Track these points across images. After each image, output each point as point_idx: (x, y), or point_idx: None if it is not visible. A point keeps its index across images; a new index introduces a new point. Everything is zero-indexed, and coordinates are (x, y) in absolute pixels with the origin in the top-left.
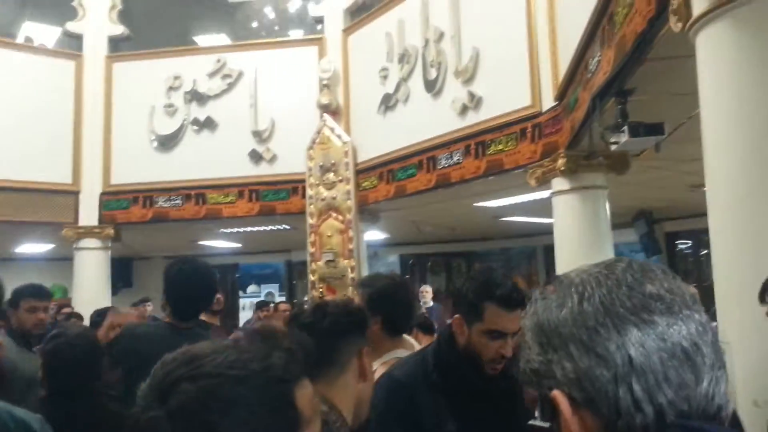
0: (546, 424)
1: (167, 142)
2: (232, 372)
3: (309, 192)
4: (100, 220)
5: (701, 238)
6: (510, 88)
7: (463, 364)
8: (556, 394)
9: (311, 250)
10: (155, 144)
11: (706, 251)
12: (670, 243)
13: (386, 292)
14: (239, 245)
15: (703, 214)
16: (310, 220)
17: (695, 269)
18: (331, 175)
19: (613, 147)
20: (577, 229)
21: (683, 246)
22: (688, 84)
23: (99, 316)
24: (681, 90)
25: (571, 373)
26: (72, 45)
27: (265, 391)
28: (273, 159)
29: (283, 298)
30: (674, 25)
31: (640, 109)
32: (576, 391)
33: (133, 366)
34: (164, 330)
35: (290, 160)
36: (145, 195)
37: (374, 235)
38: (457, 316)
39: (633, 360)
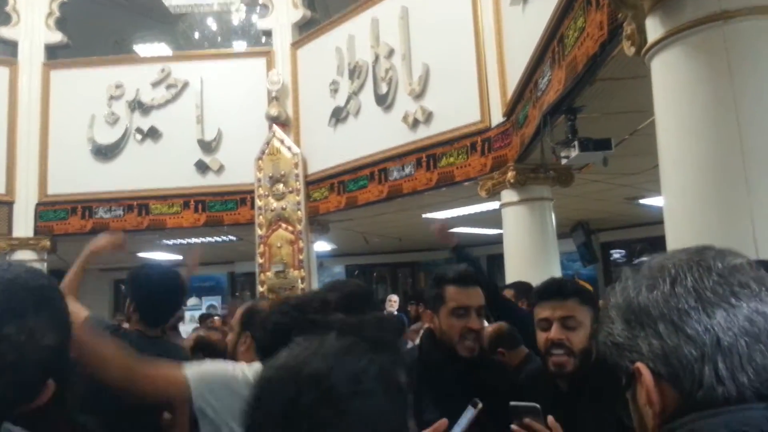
0: (531, 404)
1: (108, 152)
2: (359, 387)
3: (258, 203)
4: (36, 231)
5: (634, 247)
6: (460, 104)
7: (441, 351)
8: (641, 366)
9: (260, 261)
10: (95, 153)
11: (638, 260)
12: (605, 252)
13: (347, 297)
14: (181, 257)
15: (636, 225)
16: (259, 231)
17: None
18: (280, 186)
19: (564, 161)
20: (525, 238)
21: (617, 255)
22: (630, 102)
23: None
24: (624, 108)
25: (658, 349)
26: (6, 51)
27: (387, 394)
28: (220, 169)
29: (225, 311)
30: (628, 49)
31: (587, 125)
32: (661, 365)
33: None
34: (136, 339)
35: (238, 170)
36: (84, 205)
37: (322, 245)
38: (426, 311)
39: (720, 341)
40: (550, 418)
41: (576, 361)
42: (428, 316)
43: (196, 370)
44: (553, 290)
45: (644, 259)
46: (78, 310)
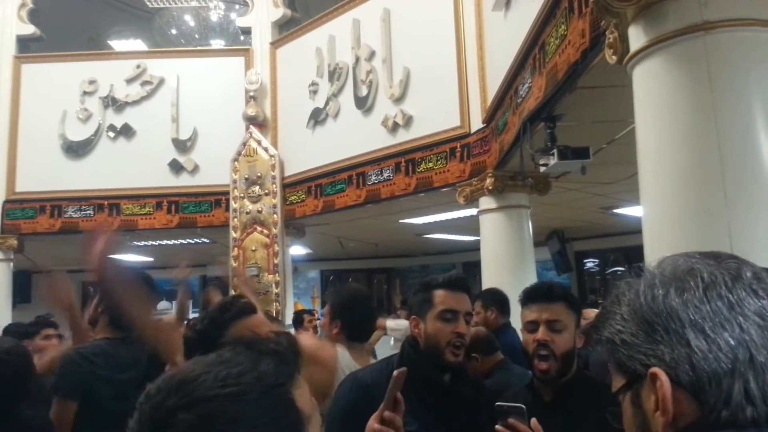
0: (516, 404)
1: (80, 149)
2: (227, 390)
3: (233, 205)
4: (2, 230)
5: (608, 257)
6: (440, 109)
7: (426, 361)
8: (658, 372)
9: (234, 264)
10: (66, 150)
11: (612, 270)
12: (579, 261)
13: (348, 301)
14: (151, 259)
15: (610, 235)
16: (233, 234)
17: (602, 287)
18: (256, 188)
19: (543, 169)
20: (502, 245)
21: (591, 264)
22: (608, 112)
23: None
24: (601, 117)
25: (683, 357)
26: None
27: (265, 401)
28: (195, 170)
29: (197, 315)
30: (610, 57)
31: (565, 133)
32: (684, 375)
33: (87, 390)
34: (107, 346)
35: (213, 171)
36: (53, 204)
37: (297, 250)
38: (412, 317)
39: (753, 358)
40: (533, 420)
41: (558, 365)
42: (414, 321)
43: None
44: (541, 293)
45: (643, 265)
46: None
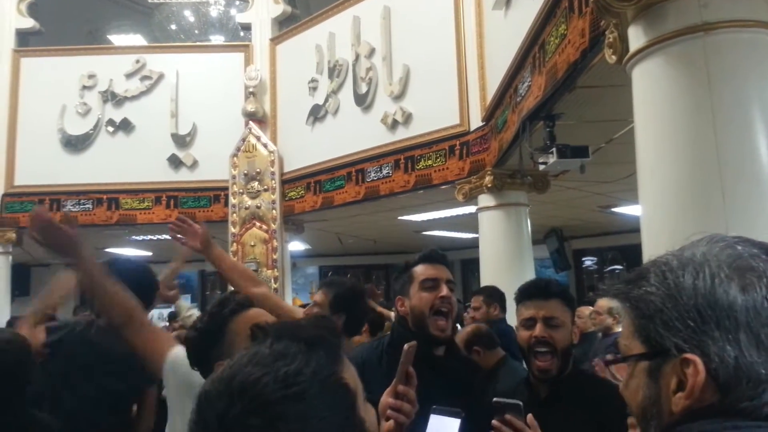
0: (513, 401)
1: (79, 143)
2: (291, 391)
3: (232, 200)
4: (1, 223)
5: (606, 255)
6: (439, 107)
7: (414, 335)
8: (697, 360)
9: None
10: (65, 144)
11: (609, 268)
12: (577, 259)
13: (350, 295)
14: (150, 254)
15: (608, 233)
16: (232, 229)
17: (600, 285)
18: (255, 184)
19: (542, 167)
20: (501, 243)
21: (589, 262)
22: (607, 111)
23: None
24: (600, 116)
25: (730, 357)
26: None
27: (325, 394)
28: (194, 165)
29: (196, 310)
30: (609, 57)
31: (564, 132)
32: (723, 370)
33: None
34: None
35: (212, 166)
36: (52, 198)
37: (296, 245)
38: (397, 298)
39: None
40: (530, 417)
41: (559, 362)
42: (399, 301)
43: (177, 351)
44: (537, 290)
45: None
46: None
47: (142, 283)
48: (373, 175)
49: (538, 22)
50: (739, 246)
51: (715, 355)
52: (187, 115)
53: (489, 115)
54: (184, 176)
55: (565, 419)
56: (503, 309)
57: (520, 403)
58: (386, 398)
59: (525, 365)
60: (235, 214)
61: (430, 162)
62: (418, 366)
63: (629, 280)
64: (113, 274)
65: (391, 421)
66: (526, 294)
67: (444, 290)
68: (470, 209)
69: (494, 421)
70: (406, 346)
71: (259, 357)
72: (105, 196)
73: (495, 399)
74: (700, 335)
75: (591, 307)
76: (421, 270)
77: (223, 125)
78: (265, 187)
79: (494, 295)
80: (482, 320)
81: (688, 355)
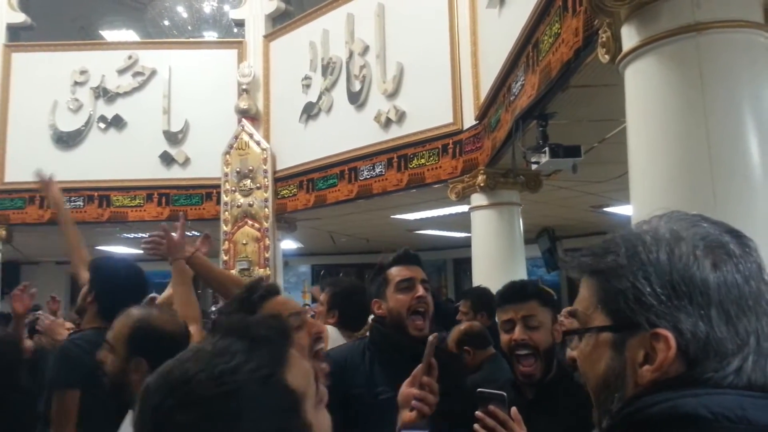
0: (498, 391)
1: (70, 140)
2: (223, 388)
3: (224, 198)
4: None
5: None
6: (433, 105)
7: (393, 332)
8: (668, 336)
9: (224, 258)
10: (56, 141)
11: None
12: None
13: (346, 293)
14: (141, 251)
15: (600, 233)
16: (224, 227)
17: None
18: (248, 182)
19: (534, 166)
20: (493, 242)
21: None
22: (600, 110)
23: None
24: (593, 116)
25: (702, 332)
26: None
27: (261, 394)
28: (186, 162)
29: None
30: (602, 56)
31: (556, 131)
32: (693, 345)
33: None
34: (94, 338)
35: (205, 164)
36: (43, 195)
37: (288, 244)
38: (374, 301)
39: (760, 344)
40: (514, 410)
41: (542, 364)
42: (376, 304)
43: None
44: (513, 292)
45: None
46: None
47: (134, 283)
48: (366, 173)
49: (532, 21)
50: (704, 224)
51: (688, 331)
52: (180, 112)
53: (482, 114)
54: (176, 173)
55: (552, 421)
56: (491, 315)
57: (504, 394)
58: (407, 389)
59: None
60: (227, 212)
61: (423, 161)
62: (405, 364)
63: (596, 254)
64: (103, 273)
65: (414, 411)
66: (503, 298)
67: (420, 290)
68: (463, 208)
69: (478, 412)
70: (431, 338)
71: (201, 354)
72: (96, 193)
73: (479, 389)
74: (673, 310)
75: None
76: (395, 272)
77: (216, 122)
78: (258, 185)
79: (482, 302)
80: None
81: (660, 330)
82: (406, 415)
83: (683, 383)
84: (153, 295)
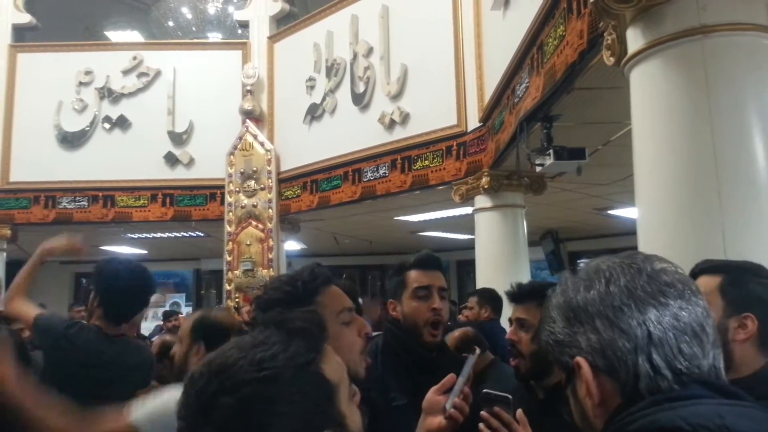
0: (503, 393)
1: (75, 140)
2: (263, 374)
3: (228, 199)
4: None
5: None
6: (437, 107)
7: (407, 337)
8: (580, 360)
9: (228, 258)
10: (61, 141)
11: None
12: (573, 261)
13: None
14: (145, 252)
15: (604, 236)
16: (228, 228)
17: None
18: (252, 183)
19: (538, 168)
20: (497, 244)
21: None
22: (604, 113)
23: None
24: (597, 118)
25: (595, 343)
26: None
27: (297, 380)
28: (190, 163)
29: (190, 309)
30: (607, 59)
31: (560, 134)
32: (599, 358)
33: (63, 374)
34: (95, 337)
35: (209, 165)
36: (48, 194)
37: (292, 245)
38: (389, 301)
39: (651, 334)
40: (519, 412)
41: (527, 363)
42: (391, 305)
43: (143, 414)
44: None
45: (582, 263)
46: (27, 311)
47: (138, 285)
48: (369, 175)
49: (536, 23)
50: (602, 260)
51: (588, 347)
52: (184, 113)
53: (486, 116)
54: (180, 174)
55: (562, 422)
56: (495, 311)
57: (510, 396)
58: (435, 396)
59: None
60: (231, 213)
61: (426, 162)
62: (416, 370)
63: (538, 329)
64: (105, 278)
65: (440, 418)
66: (508, 297)
67: (436, 301)
68: (466, 210)
69: (483, 413)
70: (478, 350)
71: (242, 343)
72: (101, 194)
73: (485, 390)
74: (575, 337)
75: None
76: (414, 276)
77: (220, 123)
78: (262, 185)
79: (488, 298)
80: (473, 320)
81: (575, 359)
82: (432, 421)
83: (628, 402)
84: None
